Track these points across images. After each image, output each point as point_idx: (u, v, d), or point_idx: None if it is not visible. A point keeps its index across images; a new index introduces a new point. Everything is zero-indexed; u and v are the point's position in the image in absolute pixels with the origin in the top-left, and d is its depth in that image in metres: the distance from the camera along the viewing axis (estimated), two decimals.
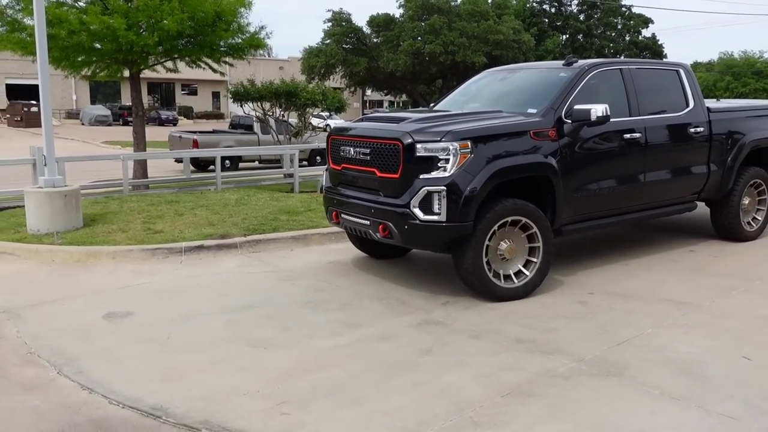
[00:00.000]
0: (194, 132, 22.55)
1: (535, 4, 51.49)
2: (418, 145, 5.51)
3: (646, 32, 51.54)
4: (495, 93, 7.05)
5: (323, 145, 18.88)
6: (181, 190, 12.60)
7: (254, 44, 13.49)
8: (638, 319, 5.32)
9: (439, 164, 5.48)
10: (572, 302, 5.76)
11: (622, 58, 49.15)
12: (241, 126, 23.12)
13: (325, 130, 26.13)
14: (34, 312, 5.64)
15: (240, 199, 10.69)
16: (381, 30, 42.46)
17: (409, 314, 5.48)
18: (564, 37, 49.82)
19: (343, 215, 6.30)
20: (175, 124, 48.68)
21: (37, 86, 8.58)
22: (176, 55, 13.71)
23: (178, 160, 19.88)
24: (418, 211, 5.50)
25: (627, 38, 50.33)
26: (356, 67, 41.25)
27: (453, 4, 42.62)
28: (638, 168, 6.72)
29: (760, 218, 8.04)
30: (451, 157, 5.44)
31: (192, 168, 14.45)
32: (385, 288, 6.23)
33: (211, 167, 19.69)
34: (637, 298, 5.85)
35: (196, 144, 20.24)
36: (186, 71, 15.18)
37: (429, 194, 5.45)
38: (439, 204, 5.44)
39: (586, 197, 6.32)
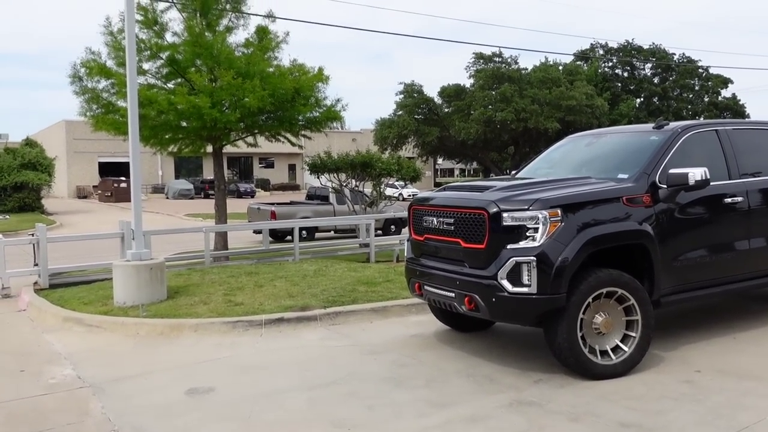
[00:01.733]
0: (272, 203, 23.07)
1: (606, 69, 51.17)
2: (505, 214, 5.31)
3: (725, 92, 50.20)
4: (580, 159, 6.82)
5: (398, 214, 18.99)
6: (260, 261, 12.73)
7: (331, 117, 13.78)
8: (756, 401, 4.81)
9: (527, 233, 5.25)
10: (678, 381, 5.29)
11: (702, 118, 47.84)
12: (317, 197, 23.51)
13: (398, 200, 26.30)
14: (118, 387, 5.64)
15: (318, 270, 10.66)
16: (452, 100, 43.08)
17: (499, 393, 5.15)
18: (638, 100, 49.03)
19: (426, 287, 6.10)
20: (252, 196, 50.23)
21: (125, 163, 9.02)
22: (256, 131, 14.15)
23: (257, 231, 20.29)
24: (506, 283, 5.25)
25: (706, 99, 49.06)
26: (428, 137, 41.76)
27: (523, 72, 42.90)
28: (742, 234, 6.27)
29: None
30: (540, 226, 5.21)
31: (270, 239, 14.67)
32: (471, 363, 5.92)
33: (289, 237, 20.04)
34: (752, 377, 5.32)
35: (273, 215, 20.63)
36: (263, 145, 15.66)
37: (518, 265, 5.21)
38: (528, 275, 5.18)
39: (687, 266, 5.91)
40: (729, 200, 6.17)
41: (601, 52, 50.88)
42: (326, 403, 5.06)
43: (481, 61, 44.53)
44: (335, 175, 16.13)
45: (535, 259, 5.15)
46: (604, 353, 5.42)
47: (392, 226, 21.58)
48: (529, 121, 39.09)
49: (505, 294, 5.25)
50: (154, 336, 7.31)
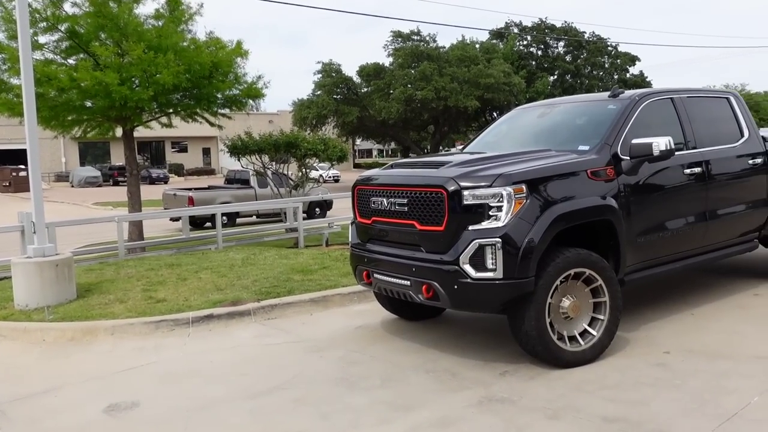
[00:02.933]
0: (189, 189, 21.88)
1: (521, 47, 51.77)
2: (466, 192, 4.79)
3: (633, 69, 51.89)
4: (534, 131, 6.39)
5: (327, 196, 18.26)
6: (180, 251, 11.82)
7: (252, 94, 12.89)
8: (737, 383, 4.53)
9: (490, 213, 4.76)
10: (650, 365, 4.97)
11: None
12: (237, 180, 22.49)
13: (318, 182, 25.51)
14: (21, 408, 4.78)
15: (246, 258, 9.90)
16: (371, 79, 42.36)
17: (465, 389, 4.67)
18: (552, 78, 49.94)
19: (376, 275, 5.52)
20: (166, 182, 48.07)
21: (25, 150, 7.86)
22: (171, 110, 13.08)
23: (174, 219, 19.16)
24: (468, 268, 4.74)
25: (615, 77, 50.62)
26: (348, 117, 40.96)
27: (442, 50, 42.72)
28: (701, 206, 6.03)
29: None
30: (504, 204, 4.72)
31: (189, 226, 13.68)
32: (429, 357, 5.41)
33: (208, 224, 19.02)
34: (723, 356, 5.07)
35: (191, 201, 19.55)
36: (176, 129, 14.56)
37: (481, 248, 4.71)
38: (493, 258, 4.69)
39: (650, 241, 5.60)
40: (688, 171, 5.91)
41: (516, 30, 51.46)
42: (272, 414, 4.42)
43: (400, 39, 44.01)
44: (257, 156, 15.22)
45: (500, 240, 4.66)
46: (572, 339, 5.03)
47: (317, 209, 20.92)
48: (449, 100, 38.95)
49: (468, 280, 4.74)
50: (64, 342, 6.41)
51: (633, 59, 51.33)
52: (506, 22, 51.36)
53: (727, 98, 6.69)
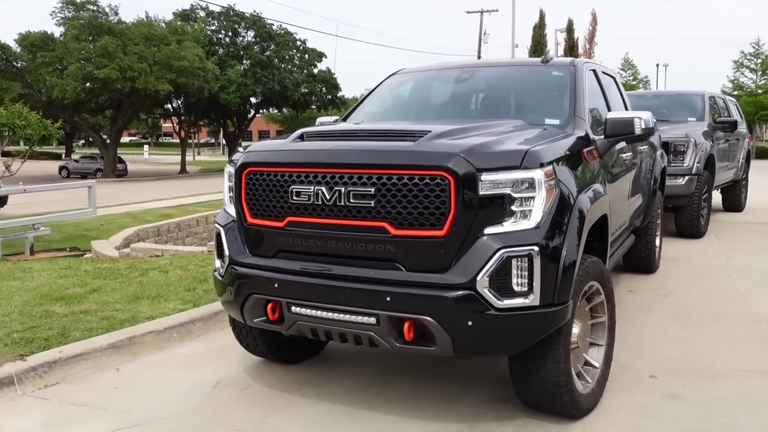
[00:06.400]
0: None
1: (210, 33, 49.00)
2: (484, 176, 3.10)
3: (321, 65, 53.04)
4: (458, 99, 4.84)
5: (5, 190, 14.06)
6: None
7: None
8: None
9: (513, 208, 3.15)
10: (659, 398, 3.92)
11: (304, 88, 49.57)
12: None
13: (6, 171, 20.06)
14: None
15: None
16: (37, 50, 35.60)
17: None
18: (243, 67, 48.28)
19: (297, 309, 3.43)
20: None
21: None
22: None
23: None
24: (489, 294, 3.07)
25: (305, 71, 51.13)
26: (8, 94, 33.74)
27: (124, 27, 37.99)
28: (629, 193, 5.25)
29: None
30: (536, 195, 3.16)
31: None
32: (380, 427, 3.56)
33: None
34: (714, 375, 4.27)
35: None
36: None
37: (508, 261, 3.08)
38: (524, 277, 3.10)
39: (614, 239, 4.60)
40: (623, 155, 5.04)
41: (203, 14, 48.57)
42: None
43: (72, 7, 37.86)
44: None
45: (536, 249, 3.09)
46: (578, 376, 3.71)
47: None
48: (137, 81, 34.65)
49: (492, 312, 3.07)
50: None
51: (320, 55, 52.33)
52: (192, 5, 48.12)
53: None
